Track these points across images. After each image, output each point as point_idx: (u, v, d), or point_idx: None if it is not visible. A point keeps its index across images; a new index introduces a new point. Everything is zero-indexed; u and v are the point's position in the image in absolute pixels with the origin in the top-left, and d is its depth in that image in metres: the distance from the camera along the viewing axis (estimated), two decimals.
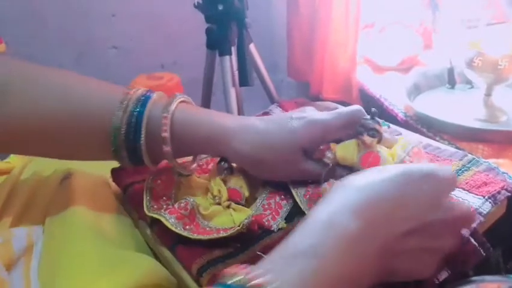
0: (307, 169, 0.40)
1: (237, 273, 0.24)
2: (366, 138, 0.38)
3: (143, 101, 0.39)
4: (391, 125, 0.53)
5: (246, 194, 0.42)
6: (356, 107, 0.41)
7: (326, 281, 0.25)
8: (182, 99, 0.41)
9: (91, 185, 0.46)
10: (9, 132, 0.40)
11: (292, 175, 0.41)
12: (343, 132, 0.40)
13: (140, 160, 0.40)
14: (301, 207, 0.39)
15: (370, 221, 0.27)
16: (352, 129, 0.39)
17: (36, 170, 0.49)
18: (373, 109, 0.39)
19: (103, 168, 0.49)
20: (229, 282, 0.23)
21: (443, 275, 0.32)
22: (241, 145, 0.39)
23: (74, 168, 0.47)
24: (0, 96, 0.38)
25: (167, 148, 0.39)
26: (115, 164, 0.48)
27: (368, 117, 0.39)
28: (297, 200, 0.40)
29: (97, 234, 0.39)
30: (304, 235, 0.27)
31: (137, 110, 0.39)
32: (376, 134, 0.38)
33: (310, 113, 0.41)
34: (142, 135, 0.38)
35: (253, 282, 0.23)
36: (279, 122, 0.40)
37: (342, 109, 0.41)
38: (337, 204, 0.28)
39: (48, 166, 0.49)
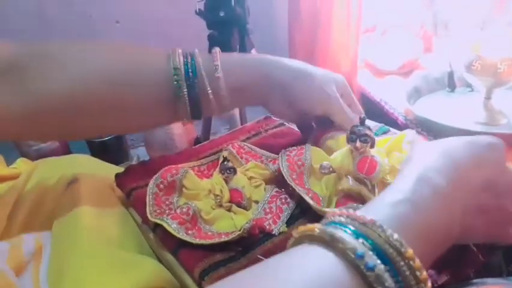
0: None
1: (341, 214, 0.25)
2: (359, 145, 0.39)
3: (190, 52, 0.44)
4: (391, 128, 0.53)
5: (248, 195, 0.43)
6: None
7: (419, 228, 0.26)
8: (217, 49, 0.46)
9: (96, 189, 0.46)
10: (59, 109, 0.39)
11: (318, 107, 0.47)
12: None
13: (202, 101, 0.43)
14: (305, 198, 0.39)
15: (455, 181, 0.29)
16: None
17: (43, 175, 0.49)
18: (363, 115, 0.39)
19: (107, 174, 0.50)
20: (338, 220, 0.24)
21: (442, 279, 0.33)
22: (284, 62, 0.46)
23: (80, 173, 0.48)
24: (37, 69, 0.39)
25: (219, 74, 0.43)
26: (119, 169, 0.49)
27: (359, 124, 0.39)
28: (306, 198, 0.39)
29: (103, 238, 0.39)
30: (400, 187, 0.28)
31: (189, 56, 0.43)
32: (368, 139, 0.39)
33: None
34: (199, 69, 0.43)
35: (362, 219, 0.24)
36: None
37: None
38: (426, 165, 0.29)
39: (54, 171, 0.50)
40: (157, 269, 0.37)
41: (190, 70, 0.42)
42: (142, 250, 0.42)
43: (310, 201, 0.38)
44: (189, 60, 0.43)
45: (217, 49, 0.45)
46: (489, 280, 0.35)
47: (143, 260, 0.39)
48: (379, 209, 0.26)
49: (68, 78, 0.39)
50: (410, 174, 0.29)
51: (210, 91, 0.43)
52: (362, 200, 0.38)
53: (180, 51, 0.43)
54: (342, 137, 0.44)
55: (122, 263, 0.37)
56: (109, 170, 0.51)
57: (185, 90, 0.42)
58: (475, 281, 0.35)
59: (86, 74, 0.40)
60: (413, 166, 0.30)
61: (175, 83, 0.41)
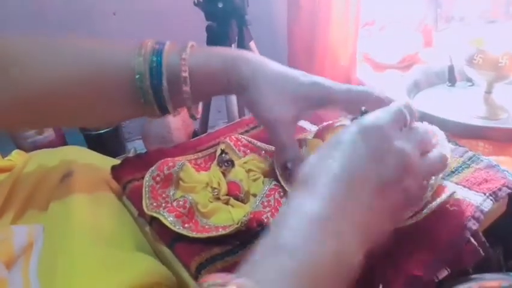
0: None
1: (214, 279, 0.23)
2: None
3: (159, 49, 0.41)
4: None
5: (246, 187, 0.42)
6: (365, 88, 0.42)
7: (305, 276, 0.24)
8: (192, 43, 0.43)
9: (91, 183, 0.46)
10: (30, 103, 0.40)
11: (281, 118, 0.41)
12: (344, 106, 0.42)
13: (165, 105, 0.41)
14: None
15: (336, 196, 0.27)
16: (354, 109, 0.40)
17: (37, 167, 0.49)
18: (363, 108, 0.38)
19: (103, 166, 0.49)
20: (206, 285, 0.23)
21: (443, 274, 0.32)
22: (256, 66, 0.41)
23: (75, 166, 0.47)
24: (14, 67, 0.39)
25: (186, 88, 0.40)
26: (115, 162, 0.48)
27: (359, 116, 0.39)
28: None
29: (97, 234, 0.39)
30: (275, 234, 0.27)
31: (155, 56, 0.40)
32: None
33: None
34: (164, 76, 0.40)
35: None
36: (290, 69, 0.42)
37: (353, 86, 0.42)
38: (304, 196, 0.28)
39: (49, 163, 0.49)
40: (152, 265, 0.37)
41: (155, 78, 0.40)
42: (138, 244, 0.41)
43: None
44: (154, 66, 0.40)
45: (187, 51, 0.41)
46: (488, 275, 0.35)
47: (138, 256, 0.38)
48: (257, 269, 0.25)
49: (37, 75, 0.39)
50: (289, 211, 0.27)
51: (169, 99, 0.41)
52: None
53: (149, 50, 0.41)
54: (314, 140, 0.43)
55: (116, 260, 0.36)
56: (105, 162, 0.51)
57: (151, 92, 0.40)
58: (474, 276, 0.35)
59: (55, 72, 0.40)
60: (292, 200, 0.28)
61: (139, 88, 0.40)
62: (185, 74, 0.40)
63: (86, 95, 0.41)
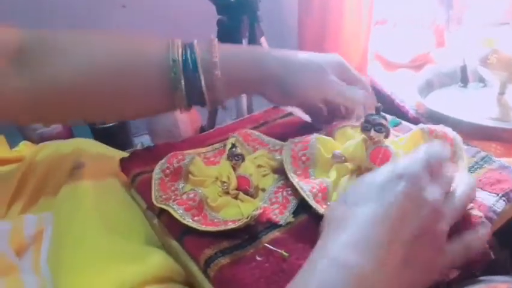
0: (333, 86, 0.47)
1: None
2: (373, 134, 0.37)
3: (188, 42, 0.44)
4: (403, 121, 0.52)
5: (255, 182, 0.42)
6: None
7: None
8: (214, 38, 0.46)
9: (101, 175, 0.46)
10: (69, 93, 0.41)
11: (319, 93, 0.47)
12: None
13: (199, 93, 0.44)
14: (308, 201, 0.38)
15: (373, 255, 0.26)
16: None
17: (47, 158, 0.49)
18: (378, 104, 0.38)
19: (112, 158, 0.49)
20: None
21: (453, 274, 0.32)
22: (279, 53, 0.47)
23: (85, 158, 0.47)
24: (44, 56, 0.40)
25: (217, 72, 0.43)
26: (124, 155, 0.48)
27: (374, 112, 0.38)
28: (303, 194, 0.38)
29: (107, 225, 0.39)
30: (307, 279, 0.26)
31: (187, 46, 0.43)
32: (383, 129, 0.37)
33: None
34: (198, 63, 0.43)
35: None
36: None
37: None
38: (340, 242, 0.27)
39: (59, 155, 0.49)
40: (161, 259, 0.37)
41: (189, 63, 0.42)
42: (146, 237, 0.41)
43: (313, 203, 0.37)
44: (188, 53, 0.43)
45: (215, 41, 0.45)
46: (496, 278, 0.34)
47: (147, 249, 0.38)
48: None
49: (71, 66, 0.40)
50: (320, 257, 0.26)
51: (205, 86, 0.44)
52: None
53: (180, 43, 0.44)
54: (358, 141, 0.42)
55: (126, 253, 0.36)
56: (114, 155, 0.51)
57: (183, 82, 0.42)
58: (482, 278, 0.34)
59: (89, 63, 0.41)
60: (324, 245, 0.27)
61: (173, 75, 0.42)
62: (216, 60, 0.43)
63: (118, 86, 0.42)
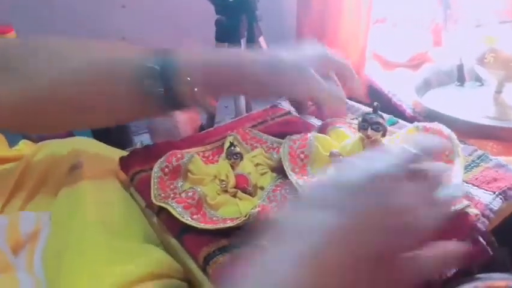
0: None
1: None
2: (370, 133, 0.38)
3: (166, 49, 0.43)
4: (400, 120, 0.53)
5: (254, 181, 0.42)
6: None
7: None
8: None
9: (100, 174, 0.46)
10: (44, 103, 0.40)
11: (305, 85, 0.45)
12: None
13: (175, 96, 0.42)
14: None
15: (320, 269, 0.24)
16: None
17: (47, 157, 0.49)
18: (375, 103, 0.38)
19: (111, 157, 0.49)
20: None
21: (452, 271, 0.32)
22: (258, 57, 0.45)
23: (84, 157, 0.47)
24: (26, 63, 0.40)
25: (191, 77, 0.41)
26: (123, 153, 0.48)
27: (371, 111, 0.38)
28: (299, 189, 0.39)
29: (105, 224, 0.39)
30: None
31: (163, 49, 0.42)
32: (380, 127, 0.37)
33: None
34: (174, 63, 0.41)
35: None
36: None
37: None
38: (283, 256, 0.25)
39: (58, 153, 0.49)
40: (162, 256, 0.37)
41: (165, 70, 0.41)
42: (145, 235, 0.41)
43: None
44: (163, 60, 0.42)
45: (194, 48, 0.44)
46: (495, 275, 0.35)
47: (148, 247, 0.38)
48: None
49: (53, 73, 0.40)
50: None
51: (180, 91, 0.42)
52: None
53: (155, 50, 0.42)
54: (355, 140, 0.42)
55: (124, 251, 0.36)
56: (113, 154, 0.51)
57: (158, 88, 0.41)
58: (480, 275, 0.34)
59: (70, 70, 0.41)
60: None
61: (148, 81, 0.41)
62: (191, 65, 0.42)
63: (95, 89, 0.41)
